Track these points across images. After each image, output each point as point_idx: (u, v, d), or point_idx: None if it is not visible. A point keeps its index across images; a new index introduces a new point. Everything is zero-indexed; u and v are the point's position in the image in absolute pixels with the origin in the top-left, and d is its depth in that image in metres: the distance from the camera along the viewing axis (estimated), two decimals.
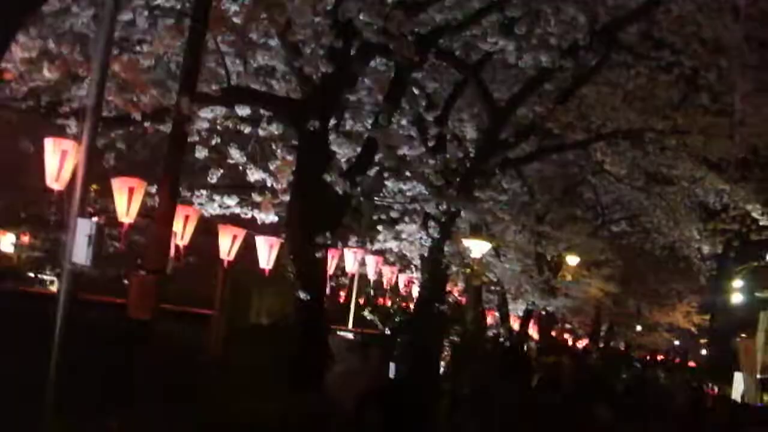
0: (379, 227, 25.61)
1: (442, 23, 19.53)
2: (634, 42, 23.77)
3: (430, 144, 23.24)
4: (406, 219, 25.15)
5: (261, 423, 14.48)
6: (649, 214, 35.77)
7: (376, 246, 26.93)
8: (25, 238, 38.76)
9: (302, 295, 17.29)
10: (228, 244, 21.45)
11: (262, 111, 19.38)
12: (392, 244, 26.19)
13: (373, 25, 16.71)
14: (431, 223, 23.35)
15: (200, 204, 20.68)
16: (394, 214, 25.69)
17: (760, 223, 29.59)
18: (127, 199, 17.31)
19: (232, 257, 21.54)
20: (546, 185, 34.05)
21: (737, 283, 59.60)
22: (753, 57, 23.63)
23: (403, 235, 25.21)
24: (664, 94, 25.92)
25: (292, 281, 17.48)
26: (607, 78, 25.38)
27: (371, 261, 28.69)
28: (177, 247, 19.61)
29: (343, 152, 18.99)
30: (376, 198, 24.55)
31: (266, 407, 14.74)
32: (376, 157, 20.77)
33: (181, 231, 19.51)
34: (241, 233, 21.62)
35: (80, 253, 11.27)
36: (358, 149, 19.32)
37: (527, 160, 28.24)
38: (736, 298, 61.55)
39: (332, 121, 18.04)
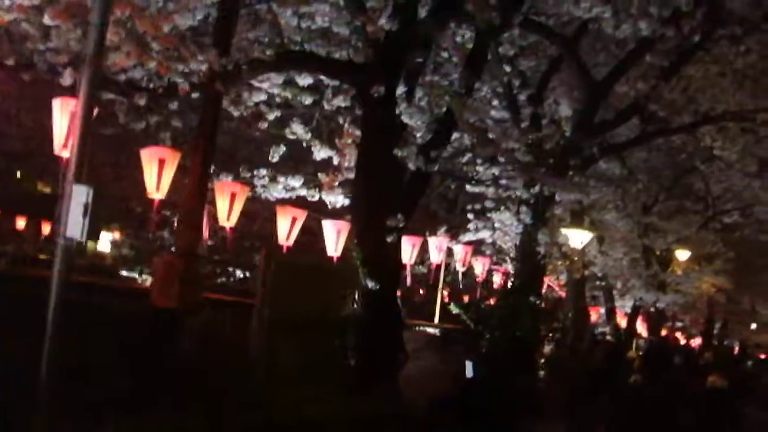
0: (470, 215, 23.21)
1: None
2: (742, 10, 21.13)
3: (524, 125, 20.88)
4: (501, 208, 22.79)
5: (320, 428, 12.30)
6: (763, 203, 32.80)
7: (468, 237, 24.44)
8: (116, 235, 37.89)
9: (370, 283, 14.96)
10: (287, 228, 19.17)
11: (324, 80, 17.05)
12: (485, 234, 23.71)
13: None
14: (523, 208, 20.94)
15: (263, 186, 18.27)
16: (488, 203, 23.34)
17: None
18: (158, 173, 14.87)
19: (291, 242, 19.26)
20: (653, 174, 31.24)
21: None
22: None
23: (497, 224, 22.76)
24: None
25: (358, 268, 15.14)
26: (714, 55, 22.70)
27: (459, 251, 26.20)
28: (224, 228, 17.37)
29: (417, 124, 16.34)
30: (465, 184, 22.37)
31: (323, 409, 12.51)
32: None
33: (227, 210, 17.11)
34: (301, 215, 19.35)
35: (75, 226, 8.91)
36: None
37: (630, 145, 25.62)
38: None
39: (401, 89, 15.54)
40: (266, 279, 13.52)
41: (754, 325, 62.34)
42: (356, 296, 15.22)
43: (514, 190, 21.23)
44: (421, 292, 31.90)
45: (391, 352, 15.37)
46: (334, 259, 19.67)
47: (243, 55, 14.54)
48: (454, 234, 25.45)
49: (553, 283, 30.50)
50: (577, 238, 23.41)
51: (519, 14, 17.49)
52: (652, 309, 37.61)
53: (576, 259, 24.77)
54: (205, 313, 13.03)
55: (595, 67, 21.86)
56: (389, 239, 15.27)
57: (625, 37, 19.85)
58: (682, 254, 34.58)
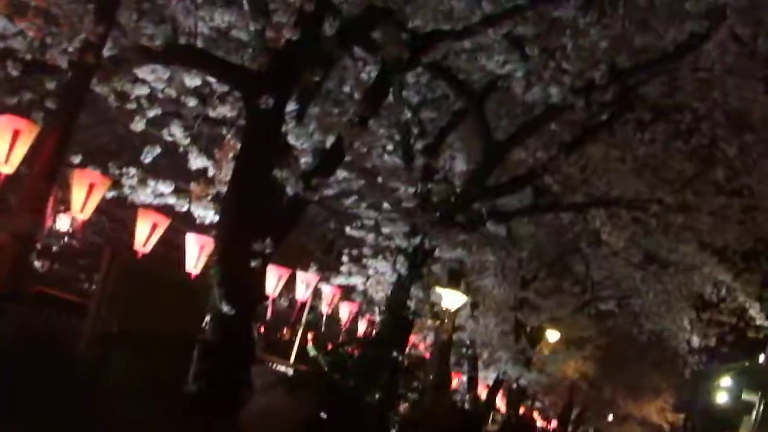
0: (345, 258, 21.90)
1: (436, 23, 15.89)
2: (653, 97, 20.32)
3: (415, 175, 19.72)
4: (379, 257, 21.50)
5: None
6: (640, 296, 31.89)
7: (340, 280, 23.08)
8: None
9: (225, 308, 13.53)
10: (146, 233, 17.67)
11: (213, 85, 15.62)
12: (358, 281, 22.37)
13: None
14: (400, 258, 19.68)
15: (131, 187, 16.63)
16: (366, 250, 22.07)
17: (758, 322, 26.08)
18: (9, 144, 13.27)
19: (148, 248, 17.76)
20: (537, 249, 30.21)
21: (724, 381, 54.23)
22: None
23: (371, 272, 21.42)
24: (677, 165, 22.33)
25: (215, 289, 13.70)
26: (618, 140, 21.80)
27: (328, 292, 24.88)
28: (74, 220, 15.83)
29: (303, 147, 14.85)
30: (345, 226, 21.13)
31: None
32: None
33: (82, 201, 15.57)
34: (163, 222, 17.86)
35: None
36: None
37: (519, 214, 24.54)
38: (721, 398, 55.72)
39: (292, 106, 14.14)
40: (106, 283, 12.02)
41: (611, 417, 61.76)
42: (208, 319, 13.76)
43: (394, 240, 20.02)
44: (285, 330, 30.35)
45: (236, 385, 13.89)
46: (192, 276, 18.22)
47: (130, 40, 13.12)
48: (324, 274, 24.12)
49: (419, 342, 29.19)
50: (452, 299, 22.25)
51: (429, 56, 16.42)
52: (514, 385, 36.59)
53: (446, 320, 23.56)
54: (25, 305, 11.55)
55: (497, 128, 20.72)
56: (253, 264, 13.85)
57: (533, 101, 18.91)
58: (553, 335, 33.84)
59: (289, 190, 14.09)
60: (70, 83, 11.34)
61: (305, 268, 23.53)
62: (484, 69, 18.55)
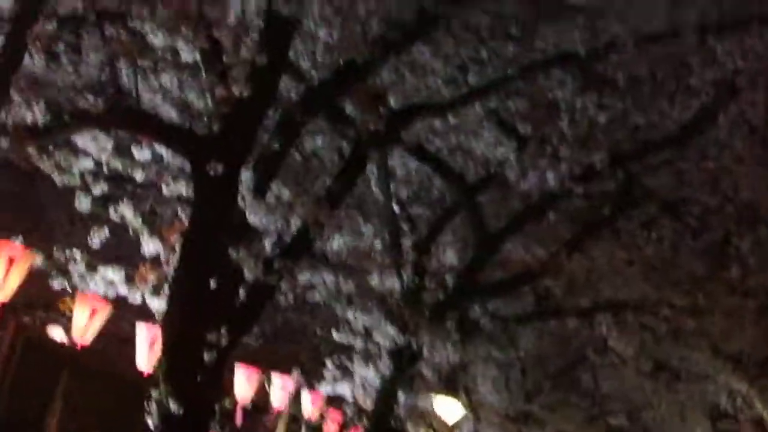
0: (329, 363, 19.77)
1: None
2: (659, 189, 18.56)
3: (405, 273, 17.81)
4: (367, 363, 19.40)
5: None
6: (652, 408, 29.75)
7: (325, 388, 20.87)
8: None
9: (173, 406, 11.42)
10: (83, 321, 15.60)
11: (165, 158, 13.63)
12: (344, 390, 20.17)
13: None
14: (385, 360, 17.64)
15: (80, 276, 14.43)
16: (354, 357, 19.97)
17: None
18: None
19: (87, 340, 15.69)
20: (541, 360, 28.07)
21: None
22: None
23: (357, 379, 19.27)
24: (687, 265, 20.41)
25: (161, 386, 11.60)
26: (623, 239, 19.92)
27: (307, 398, 22.71)
28: None
29: (265, 226, 12.78)
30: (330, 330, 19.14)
31: None
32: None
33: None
34: (104, 309, 15.77)
35: None
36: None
37: (521, 321, 22.51)
38: None
39: (250, 177, 12.08)
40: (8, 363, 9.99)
41: None
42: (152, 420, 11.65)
43: (381, 343, 18.04)
44: None
45: None
46: (144, 375, 16.14)
47: (66, 103, 11.33)
48: (307, 380, 22.02)
49: None
50: (449, 409, 20.14)
51: (410, 133, 14.64)
52: None
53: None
54: None
55: (492, 220, 18.83)
56: (207, 357, 11.76)
57: (529, 189, 17.13)
58: None
59: (248, 275, 12.04)
60: None
61: (284, 369, 21.42)
62: (474, 154, 16.77)
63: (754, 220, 18.73)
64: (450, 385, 20.97)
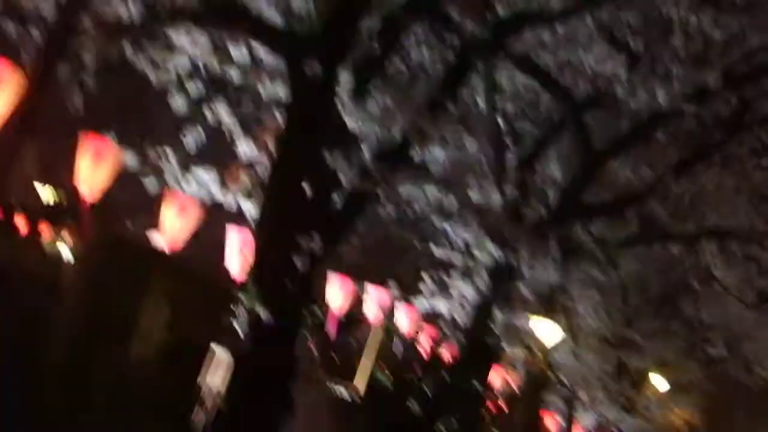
0: (426, 278, 19.36)
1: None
2: None
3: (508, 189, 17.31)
4: (464, 279, 18.97)
5: None
6: (753, 341, 28.98)
7: (421, 302, 20.46)
8: None
9: (263, 314, 11.17)
10: (171, 221, 15.32)
11: (264, 58, 13.13)
12: (441, 304, 19.76)
13: None
14: (483, 275, 17.19)
15: (173, 176, 14.06)
16: (452, 273, 19.54)
17: None
18: None
19: (177, 242, 15.40)
20: (642, 286, 27.34)
21: None
22: None
23: (454, 295, 18.84)
24: None
25: (251, 290, 11.34)
26: (733, 165, 19.17)
27: (403, 314, 22.33)
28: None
29: (363, 132, 12.29)
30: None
31: None
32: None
33: (87, 171, 13.30)
34: (193, 208, 15.44)
35: None
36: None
37: (624, 244, 21.78)
38: None
39: (349, 80, 11.61)
40: (85, 260, 9.72)
41: None
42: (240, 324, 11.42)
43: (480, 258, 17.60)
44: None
45: (272, 405, 11.52)
46: (229, 275, 15.88)
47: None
48: (403, 294, 21.61)
49: (507, 376, 26.39)
50: (547, 331, 19.65)
51: (517, 44, 14.08)
52: (614, 430, 33.54)
53: (539, 353, 20.89)
54: None
55: (598, 138, 18.18)
56: (299, 263, 11.48)
57: (638, 109, 16.48)
58: (658, 380, 30.87)
59: (344, 180, 11.67)
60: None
61: (379, 282, 21.04)
62: (583, 70, 16.14)
63: None
64: (549, 305, 20.46)
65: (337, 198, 12.14)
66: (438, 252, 19.31)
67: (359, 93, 11.78)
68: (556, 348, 23.04)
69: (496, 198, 17.09)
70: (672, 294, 28.39)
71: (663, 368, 30.30)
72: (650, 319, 28.62)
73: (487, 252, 17.26)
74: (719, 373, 33.60)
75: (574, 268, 19.89)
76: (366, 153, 12.14)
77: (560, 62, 16.40)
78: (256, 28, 11.90)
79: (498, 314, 17.81)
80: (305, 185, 11.49)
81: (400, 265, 24.17)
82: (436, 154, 16.15)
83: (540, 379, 23.19)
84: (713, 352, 32.38)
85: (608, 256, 22.57)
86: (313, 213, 11.71)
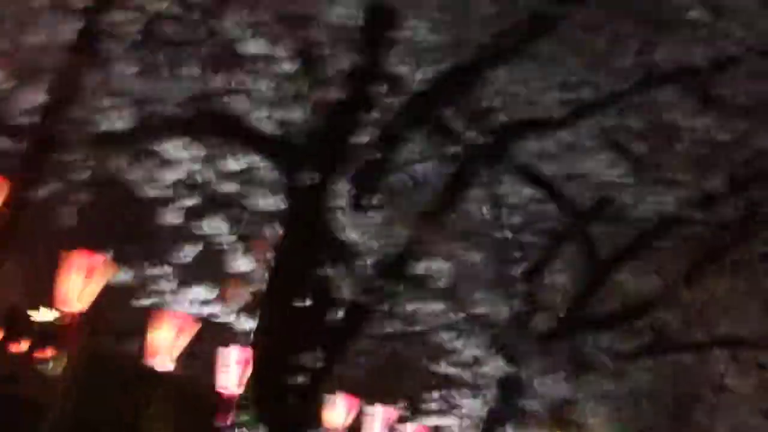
0: (433, 394, 18.77)
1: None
2: None
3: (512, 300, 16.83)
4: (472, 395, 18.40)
5: None
6: None
7: (430, 420, 19.80)
8: None
9: (262, 430, 10.62)
10: (168, 341, 14.79)
11: (260, 170, 12.65)
12: (451, 422, 19.11)
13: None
14: (491, 389, 16.64)
15: (170, 293, 13.48)
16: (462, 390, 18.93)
17: None
18: None
19: (171, 363, 14.86)
20: (653, 396, 26.67)
21: None
22: None
23: (463, 412, 18.22)
24: None
25: (247, 409, 10.79)
26: (744, 275, 18.74)
27: (408, 430, 21.61)
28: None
29: (365, 245, 11.84)
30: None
31: None
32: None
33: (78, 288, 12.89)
34: (191, 328, 14.93)
35: None
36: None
37: (635, 356, 21.21)
38: None
39: (347, 190, 11.14)
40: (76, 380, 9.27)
41: None
42: None
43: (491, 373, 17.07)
44: None
45: None
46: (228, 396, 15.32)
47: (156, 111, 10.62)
48: (409, 414, 20.95)
49: None
50: None
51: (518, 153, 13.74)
52: None
53: None
54: None
55: (604, 248, 17.77)
56: (300, 381, 10.91)
57: (645, 216, 16.08)
58: None
59: (345, 294, 11.18)
60: None
61: (386, 404, 20.41)
62: (588, 178, 15.76)
63: None
64: (560, 421, 19.86)
65: (338, 313, 11.64)
66: (445, 368, 18.73)
67: (358, 204, 11.35)
68: None
69: (503, 311, 16.63)
70: (685, 405, 27.75)
71: None
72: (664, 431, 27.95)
73: (496, 366, 16.72)
74: None
75: (585, 381, 19.35)
76: (367, 266, 11.69)
77: (564, 171, 16.00)
78: (251, 139, 11.49)
79: (509, 430, 17.19)
80: (305, 300, 11.00)
81: (407, 383, 23.59)
82: (440, 267, 15.75)
83: None
84: None
85: (619, 368, 22.07)
86: (313, 328, 11.21)
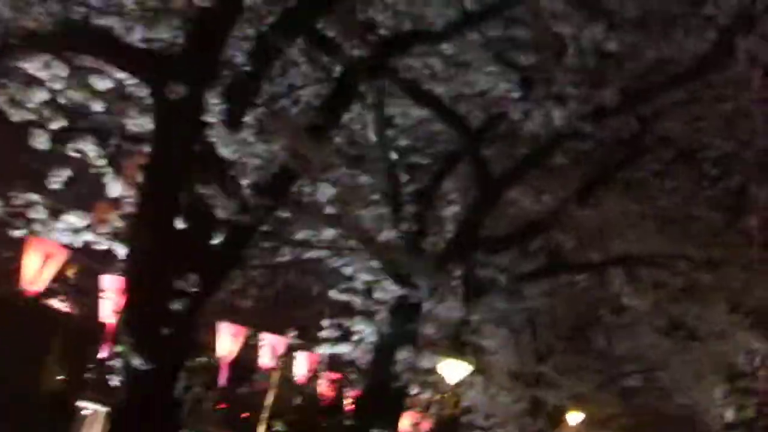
0: (325, 321, 18.21)
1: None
2: (674, 135, 17.03)
3: (404, 225, 16.26)
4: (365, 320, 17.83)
5: None
6: (668, 369, 28.27)
7: (324, 349, 19.24)
8: None
9: (136, 361, 9.93)
10: (35, 267, 14.11)
11: (130, 88, 11.84)
12: (345, 349, 18.56)
13: None
14: (383, 313, 16.10)
15: (40, 222, 12.68)
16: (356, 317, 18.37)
17: None
18: None
19: (42, 286, 14.22)
20: (551, 321, 26.46)
21: None
22: None
23: (355, 336, 17.68)
24: (703, 216, 18.98)
25: (121, 339, 10.11)
26: (637, 190, 18.40)
27: (300, 359, 21.16)
28: None
29: (242, 161, 11.10)
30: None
31: None
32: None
33: None
34: (59, 253, 14.27)
35: None
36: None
37: (530, 277, 20.83)
38: None
39: (219, 104, 10.40)
40: None
41: None
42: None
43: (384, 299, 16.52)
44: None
45: None
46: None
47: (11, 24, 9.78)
48: (304, 342, 20.43)
49: (420, 420, 25.18)
50: (454, 369, 18.60)
51: (403, 65, 13.10)
52: None
53: (448, 394, 19.80)
54: None
55: (497, 166, 17.21)
56: (176, 307, 10.22)
57: (535, 132, 15.55)
58: (575, 416, 30.10)
59: (221, 214, 10.49)
60: None
61: (275, 329, 19.86)
62: (476, 94, 15.21)
63: None
64: (456, 344, 19.38)
65: (216, 235, 10.94)
66: (338, 295, 18.20)
67: (232, 118, 10.61)
68: (468, 389, 22.07)
69: (393, 234, 16.09)
70: (583, 327, 27.61)
71: (580, 403, 29.49)
72: (562, 354, 27.79)
73: (388, 291, 16.16)
74: (637, 404, 32.95)
75: (480, 304, 18.89)
76: (245, 184, 11.00)
77: (451, 88, 15.42)
78: (115, 51, 10.65)
79: (402, 356, 16.59)
80: (178, 222, 10.28)
81: (300, 312, 23.02)
82: (327, 191, 15.14)
83: (452, 422, 22.14)
84: (628, 383, 31.71)
85: (515, 290, 21.68)
86: (189, 252, 10.51)
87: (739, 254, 18.82)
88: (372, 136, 16.12)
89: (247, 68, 10.70)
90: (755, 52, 14.18)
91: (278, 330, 20.67)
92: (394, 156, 16.68)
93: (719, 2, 13.38)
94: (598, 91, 14.55)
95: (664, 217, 18.91)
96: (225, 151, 10.57)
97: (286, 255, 18.21)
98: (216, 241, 10.96)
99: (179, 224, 10.32)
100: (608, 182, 17.91)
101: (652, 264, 19.89)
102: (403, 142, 17.19)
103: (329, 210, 16.19)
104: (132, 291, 10.35)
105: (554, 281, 22.64)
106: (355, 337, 17.73)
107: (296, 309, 22.58)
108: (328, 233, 16.96)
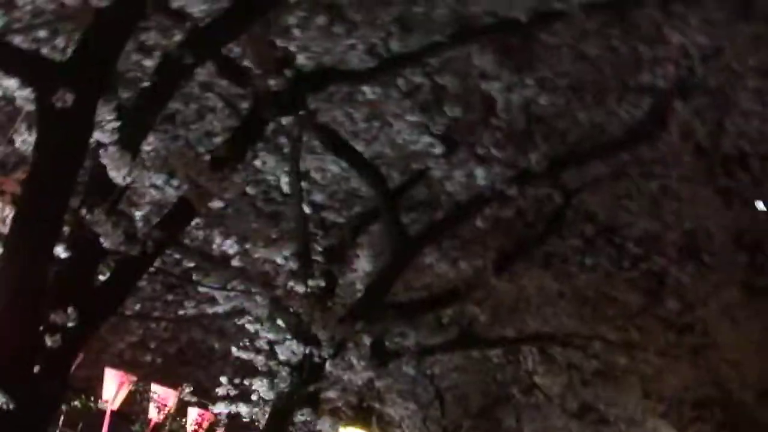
0: (223, 379, 16.98)
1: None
2: (597, 209, 16.48)
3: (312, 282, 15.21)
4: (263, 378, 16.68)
5: None
6: None
7: (220, 408, 17.97)
8: None
9: (1, 398, 8.64)
10: None
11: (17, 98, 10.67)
12: (243, 410, 17.35)
13: None
14: (284, 370, 14.98)
15: None
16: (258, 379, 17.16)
17: None
18: None
19: None
20: (461, 396, 25.50)
21: None
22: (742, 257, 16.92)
23: (254, 396, 16.46)
24: (621, 297, 18.48)
25: None
26: (555, 267, 17.75)
27: (192, 415, 19.99)
28: None
29: (128, 184, 9.88)
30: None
31: None
32: None
33: None
34: None
35: None
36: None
37: (441, 349, 19.87)
38: None
39: (112, 120, 9.24)
40: None
41: None
42: None
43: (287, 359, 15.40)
44: None
45: None
46: None
47: None
48: (196, 395, 19.29)
49: None
50: None
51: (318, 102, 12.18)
52: None
53: None
54: None
55: (413, 226, 16.28)
56: (50, 342, 8.97)
57: (456, 190, 14.82)
58: None
59: (105, 243, 9.26)
60: None
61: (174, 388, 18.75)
62: (395, 146, 14.30)
63: (696, 250, 17.00)
64: (359, 412, 18.30)
65: (99, 267, 9.75)
66: (239, 353, 17.06)
67: (125, 138, 9.42)
68: None
69: (301, 290, 15.04)
70: (492, 405, 26.67)
71: None
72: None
73: (290, 350, 15.05)
74: None
75: (387, 371, 17.89)
76: (136, 213, 9.86)
77: (370, 137, 14.50)
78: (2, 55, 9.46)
79: (301, 419, 15.43)
80: (57, 249, 9.06)
81: (200, 370, 21.94)
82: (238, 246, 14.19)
83: None
84: None
85: (425, 363, 20.80)
86: (70, 283, 9.29)
87: (654, 339, 18.35)
88: (286, 188, 15.24)
89: (149, 86, 9.58)
90: (689, 126, 13.69)
91: (173, 385, 19.57)
92: (307, 210, 15.71)
93: (656, 70, 12.79)
94: (524, 155, 13.90)
95: (581, 295, 18.37)
96: (116, 175, 9.37)
97: (189, 309, 17.30)
98: (102, 276, 9.81)
99: (61, 252, 9.14)
100: (527, 255, 17.11)
101: (566, 344, 19.18)
102: (318, 197, 16.27)
103: (236, 263, 15.29)
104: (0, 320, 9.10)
105: (466, 355, 21.75)
106: (254, 397, 16.54)
107: (197, 366, 21.54)
108: (232, 286, 15.92)
